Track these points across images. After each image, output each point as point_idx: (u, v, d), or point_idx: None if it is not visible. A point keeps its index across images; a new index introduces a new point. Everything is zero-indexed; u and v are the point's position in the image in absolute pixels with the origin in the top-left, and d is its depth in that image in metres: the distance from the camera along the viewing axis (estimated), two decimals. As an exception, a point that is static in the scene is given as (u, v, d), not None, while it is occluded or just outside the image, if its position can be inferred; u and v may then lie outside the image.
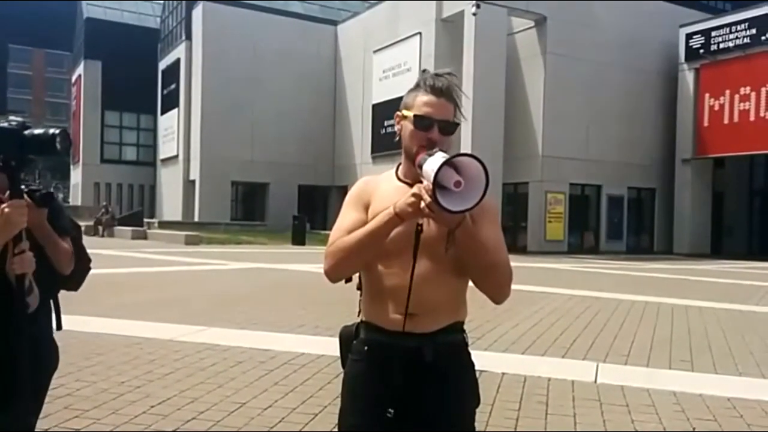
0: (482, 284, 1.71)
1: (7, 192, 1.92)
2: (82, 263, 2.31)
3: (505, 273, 1.72)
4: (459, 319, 1.79)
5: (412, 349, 1.71)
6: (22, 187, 2.01)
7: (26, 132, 1.86)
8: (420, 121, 1.72)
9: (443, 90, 1.73)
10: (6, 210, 1.80)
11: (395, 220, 1.61)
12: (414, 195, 1.57)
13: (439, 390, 1.72)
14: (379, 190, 1.79)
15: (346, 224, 1.75)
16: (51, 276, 2.22)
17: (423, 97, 1.74)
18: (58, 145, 1.85)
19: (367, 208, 1.77)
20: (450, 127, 1.74)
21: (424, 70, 1.82)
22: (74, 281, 2.34)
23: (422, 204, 1.54)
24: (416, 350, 1.70)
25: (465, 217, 1.59)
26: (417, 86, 1.78)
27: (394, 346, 1.72)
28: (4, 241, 1.85)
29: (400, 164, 1.83)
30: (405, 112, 1.76)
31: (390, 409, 1.72)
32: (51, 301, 2.32)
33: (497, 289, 1.73)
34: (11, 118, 1.96)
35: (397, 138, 1.80)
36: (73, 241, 2.27)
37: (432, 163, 1.53)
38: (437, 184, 1.49)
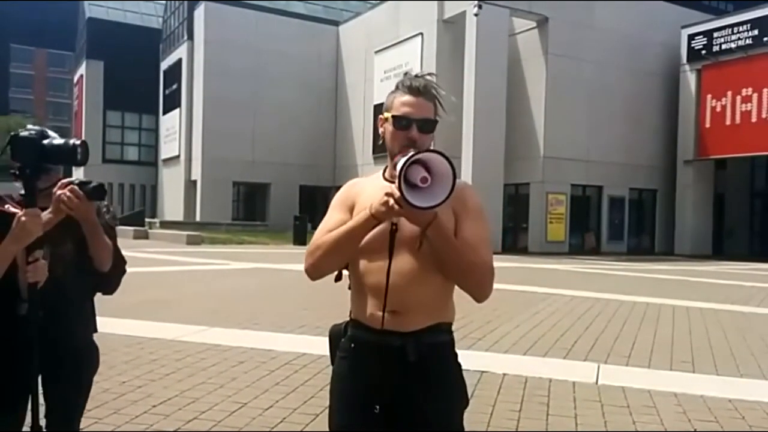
0: (460, 282, 1.74)
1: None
2: (119, 264, 2.34)
3: (483, 272, 1.72)
4: (444, 320, 1.80)
5: (396, 348, 1.72)
6: (74, 179, 2.04)
7: (45, 141, 1.87)
8: (399, 121, 1.75)
9: (420, 89, 1.77)
10: (22, 219, 1.81)
11: (371, 221, 1.65)
12: (386, 194, 1.60)
13: (422, 389, 1.73)
14: (365, 192, 1.82)
15: (329, 225, 1.78)
16: (91, 277, 2.25)
17: (401, 98, 1.77)
18: (79, 156, 1.86)
19: (351, 209, 1.80)
20: (429, 125, 1.77)
21: (405, 73, 1.86)
22: (112, 283, 2.37)
23: (392, 201, 1.57)
24: (399, 349, 1.71)
25: (436, 216, 1.61)
26: (396, 88, 1.82)
27: (379, 344, 1.73)
28: (19, 249, 1.86)
29: (387, 166, 1.85)
30: (386, 114, 1.80)
31: (376, 405, 1.73)
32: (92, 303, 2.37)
33: (475, 288, 1.74)
34: (29, 126, 1.97)
35: (381, 140, 1.83)
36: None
37: (402, 162, 1.55)
38: (405, 181, 1.51)
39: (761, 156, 24.38)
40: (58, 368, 2.21)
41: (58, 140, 1.92)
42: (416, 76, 1.80)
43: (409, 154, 1.56)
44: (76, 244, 2.18)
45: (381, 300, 1.72)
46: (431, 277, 1.73)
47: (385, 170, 1.86)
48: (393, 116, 1.76)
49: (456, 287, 1.78)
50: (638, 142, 25.31)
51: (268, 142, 31.31)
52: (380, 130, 1.84)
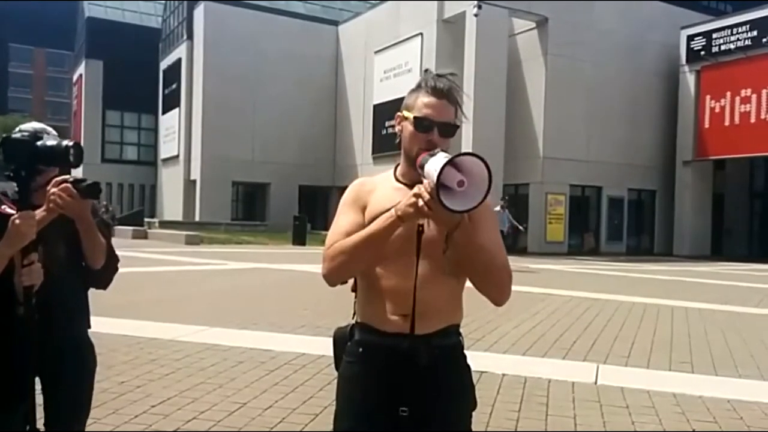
0: (482, 286, 1.70)
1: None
2: (111, 262, 2.35)
3: (505, 274, 1.71)
4: (455, 322, 1.79)
5: (408, 351, 1.69)
6: (68, 177, 2.04)
7: (39, 143, 1.86)
8: (420, 123, 1.71)
9: (444, 91, 1.72)
10: (16, 222, 1.79)
11: (396, 223, 1.60)
12: (415, 195, 1.55)
13: (434, 392, 1.71)
14: (376, 192, 1.78)
15: (343, 227, 1.73)
16: (84, 275, 2.26)
17: (424, 99, 1.73)
18: (71, 158, 1.85)
19: (363, 209, 1.76)
20: (450, 129, 1.73)
21: (426, 70, 1.81)
22: (105, 279, 2.38)
23: (421, 203, 1.52)
24: (412, 352, 1.69)
25: (464, 219, 1.57)
26: (418, 87, 1.77)
27: (390, 348, 1.71)
28: (12, 252, 1.85)
29: (398, 165, 1.82)
30: (406, 113, 1.75)
31: (386, 409, 1.71)
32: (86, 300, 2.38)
33: (497, 290, 1.72)
34: (23, 128, 1.96)
35: (398, 139, 1.80)
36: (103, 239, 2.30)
37: (435, 163, 1.51)
38: (440, 184, 1.47)
39: (760, 157, 24.40)
40: (58, 367, 2.21)
41: (51, 141, 1.91)
42: (439, 75, 1.75)
43: (442, 158, 1.50)
44: (70, 242, 2.18)
45: (399, 304, 1.69)
46: (448, 281, 1.71)
47: (395, 169, 1.82)
48: (415, 117, 1.72)
49: (466, 289, 1.77)
50: (637, 143, 25.32)
51: (268, 142, 31.30)
52: (397, 128, 1.80)
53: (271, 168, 31.41)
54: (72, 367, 2.26)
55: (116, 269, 2.40)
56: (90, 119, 43.59)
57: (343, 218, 1.77)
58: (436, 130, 1.71)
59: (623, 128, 24.76)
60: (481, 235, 1.68)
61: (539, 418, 4.07)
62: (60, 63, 76.21)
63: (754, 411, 4.34)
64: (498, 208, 15.11)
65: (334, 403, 1.83)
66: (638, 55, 24.94)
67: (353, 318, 1.83)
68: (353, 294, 1.83)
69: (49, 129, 2.26)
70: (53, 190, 2.02)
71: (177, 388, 4.40)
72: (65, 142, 1.87)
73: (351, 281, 1.82)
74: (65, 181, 2.02)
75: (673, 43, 25.29)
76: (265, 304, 8.68)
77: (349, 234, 1.70)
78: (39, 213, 2.03)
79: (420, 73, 1.84)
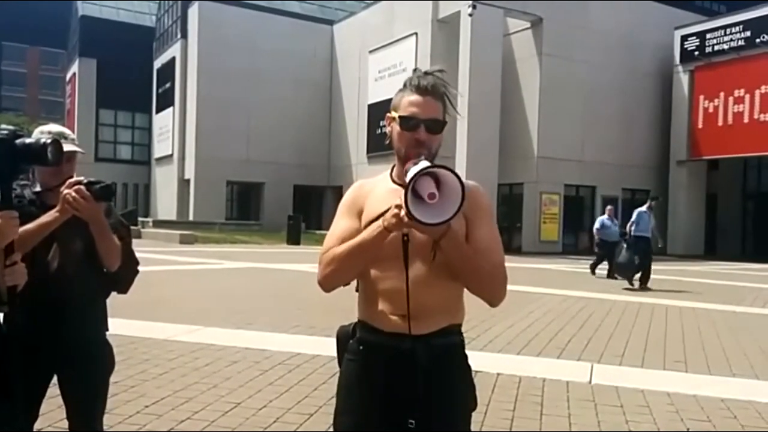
0: (474, 289, 1.71)
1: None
2: (130, 264, 2.33)
3: (498, 276, 1.70)
4: (455, 322, 1.78)
5: (407, 351, 1.69)
6: (82, 178, 2.03)
7: (18, 141, 1.84)
8: (406, 122, 1.71)
9: (428, 88, 1.72)
10: None
11: (384, 233, 1.61)
12: (396, 206, 1.56)
13: (433, 392, 1.71)
14: (373, 194, 1.79)
15: (339, 232, 1.75)
16: (102, 277, 2.26)
17: (409, 98, 1.73)
18: (49, 155, 1.83)
19: (360, 214, 1.77)
20: (437, 126, 1.73)
21: (414, 69, 1.80)
22: (125, 282, 2.38)
23: (402, 213, 1.53)
24: (411, 352, 1.69)
25: (449, 227, 1.57)
26: (404, 86, 1.77)
27: (390, 347, 1.71)
28: None
29: (394, 166, 1.82)
30: (393, 114, 1.76)
31: (385, 408, 1.71)
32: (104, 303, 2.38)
33: (490, 292, 1.72)
34: (2, 126, 1.94)
35: (388, 140, 1.80)
36: (121, 240, 2.30)
37: (412, 173, 1.53)
38: (414, 194, 1.49)
39: (753, 156, 24.52)
40: (72, 367, 2.21)
41: (30, 140, 1.89)
42: (425, 73, 1.75)
43: (419, 167, 1.52)
44: (86, 243, 2.17)
45: (396, 305, 1.69)
46: (445, 281, 1.70)
47: (392, 170, 1.82)
48: (400, 117, 1.72)
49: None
50: (631, 143, 25.41)
51: (262, 141, 31.26)
52: (387, 129, 1.81)
53: (266, 167, 31.38)
54: (84, 369, 2.26)
55: (136, 272, 2.40)
56: (83, 118, 43.35)
57: (339, 223, 1.79)
58: (423, 127, 1.71)
59: (617, 128, 24.84)
60: (475, 236, 1.68)
61: (534, 418, 4.07)
62: (53, 61, 75.83)
63: (748, 410, 4.35)
64: (644, 209, 14.24)
65: (329, 403, 1.83)
66: (632, 55, 25.02)
67: (358, 316, 1.83)
68: (356, 293, 1.83)
69: (68, 132, 2.26)
70: (66, 191, 2.01)
71: (171, 388, 4.39)
72: (43, 140, 1.85)
73: (354, 282, 1.81)
74: (79, 182, 2.01)
75: (667, 44, 25.39)
76: (259, 304, 8.66)
77: (343, 240, 1.71)
78: (52, 213, 2.05)
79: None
